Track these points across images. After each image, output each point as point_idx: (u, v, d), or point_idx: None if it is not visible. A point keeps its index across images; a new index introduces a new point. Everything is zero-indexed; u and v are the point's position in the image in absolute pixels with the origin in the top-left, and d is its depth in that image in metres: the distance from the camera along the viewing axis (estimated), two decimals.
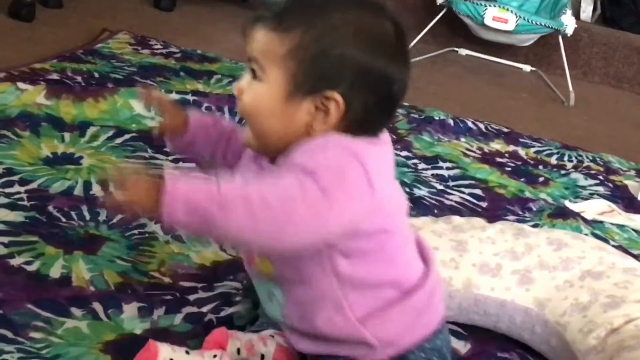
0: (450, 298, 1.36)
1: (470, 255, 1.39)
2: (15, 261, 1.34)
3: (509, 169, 2.26)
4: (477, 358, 1.35)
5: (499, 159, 2.32)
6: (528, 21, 3.15)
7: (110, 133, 1.93)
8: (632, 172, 2.39)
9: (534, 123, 2.80)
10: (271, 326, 1.17)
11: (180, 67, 2.53)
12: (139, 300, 1.30)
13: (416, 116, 2.52)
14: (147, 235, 1.50)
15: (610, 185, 2.24)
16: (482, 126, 2.56)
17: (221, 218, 0.92)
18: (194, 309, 1.31)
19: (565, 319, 1.31)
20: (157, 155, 1.85)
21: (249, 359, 1.12)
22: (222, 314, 1.30)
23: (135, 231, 1.51)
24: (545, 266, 1.39)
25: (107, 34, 2.75)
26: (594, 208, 2.02)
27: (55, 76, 2.23)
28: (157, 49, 2.69)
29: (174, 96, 2.18)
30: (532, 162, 2.36)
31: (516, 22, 3.14)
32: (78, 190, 1.62)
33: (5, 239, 1.40)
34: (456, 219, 1.50)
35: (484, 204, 1.99)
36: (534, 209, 1.99)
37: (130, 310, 1.28)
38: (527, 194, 2.09)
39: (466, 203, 1.97)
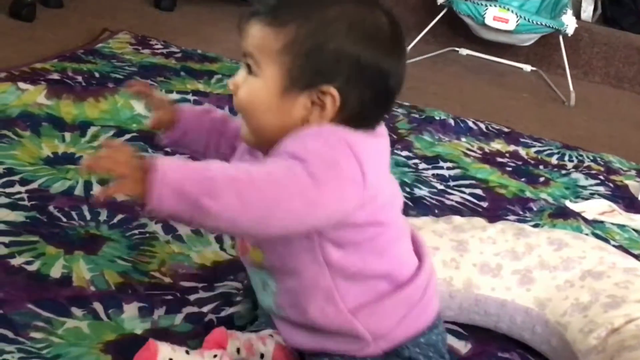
0: (450, 298, 1.36)
1: (470, 255, 1.39)
2: (16, 261, 1.34)
3: (510, 168, 2.26)
4: (477, 358, 1.35)
5: (499, 159, 2.32)
6: (529, 21, 3.15)
7: (111, 133, 1.93)
8: (633, 172, 2.39)
9: (535, 123, 2.80)
10: (269, 326, 1.17)
11: (181, 67, 2.53)
12: (140, 300, 1.30)
13: (417, 116, 2.52)
14: (147, 235, 1.50)
15: (611, 185, 2.24)
16: (482, 126, 2.56)
17: (211, 204, 0.89)
18: (195, 309, 1.31)
19: (565, 319, 1.31)
20: (158, 155, 1.85)
21: (249, 359, 1.12)
22: (223, 314, 1.30)
23: (136, 231, 1.51)
24: (546, 266, 1.39)
25: (107, 34, 2.75)
26: (595, 208, 2.02)
27: (55, 76, 2.23)
28: (158, 49, 2.69)
29: (175, 96, 2.18)
30: (532, 162, 2.36)
31: (517, 22, 3.14)
32: (79, 190, 1.62)
33: (6, 239, 1.40)
34: (457, 219, 1.49)
35: (484, 204, 1.99)
36: (535, 209, 1.99)
37: (130, 310, 1.28)
38: (528, 194, 2.09)
39: (467, 203, 1.97)
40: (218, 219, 0.91)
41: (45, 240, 1.42)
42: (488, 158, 2.31)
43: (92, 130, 1.92)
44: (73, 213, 1.53)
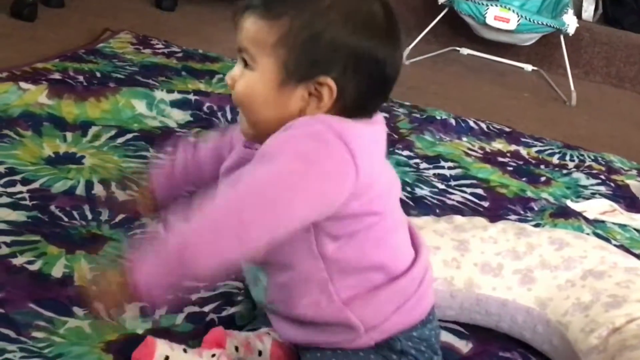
0: (452, 297, 1.36)
1: (472, 255, 1.39)
2: (18, 261, 1.35)
3: (511, 168, 2.26)
4: (478, 357, 1.35)
5: (500, 159, 2.32)
6: (530, 20, 3.15)
7: (112, 133, 1.93)
8: (634, 172, 2.39)
9: (536, 122, 2.80)
10: (266, 324, 1.17)
11: (182, 66, 2.53)
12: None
13: (418, 116, 2.51)
14: (149, 235, 1.50)
15: (612, 184, 2.24)
16: (483, 126, 2.56)
17: (198, 268, 0.94)
18: (196, 309, 1.31)
19: (567, 319, 1.31)
20: (159, 155, 1.84)
21: (247, 357, 1.13)
22: (224, 313, 1.30)
23: (137, 231, 1.51)
24: (547, 266, 1.39)
25: (108, 34, 2.75)
26: (596, 207, 2.02)
27: (57, 76, 2.23)
28: (159, 49, 2.69)
29: (176, 96, 2.18)
30: (533, 161, 2.36)
31: (518, 21, 3.14)
32: (80, 190, 1.62)
33: (8, 239, 1.40)
34: (458, 218, 1.50)
35: (485, 204, 1.99)
36: (536, 208, 1.99)
37: (132, 309, 1.28)
38: (529, 194, 2.09)
39: (468, 203, 1.97)
40: (210, 268, 0.95)
41: (46, 239, 1.42)
42: (489, 158, 2.31)
43: (93, 130, 1.92)
44: (74, 213, 1.53)
